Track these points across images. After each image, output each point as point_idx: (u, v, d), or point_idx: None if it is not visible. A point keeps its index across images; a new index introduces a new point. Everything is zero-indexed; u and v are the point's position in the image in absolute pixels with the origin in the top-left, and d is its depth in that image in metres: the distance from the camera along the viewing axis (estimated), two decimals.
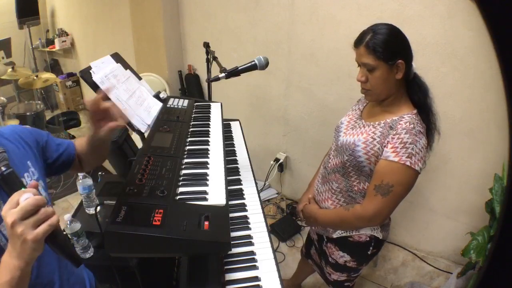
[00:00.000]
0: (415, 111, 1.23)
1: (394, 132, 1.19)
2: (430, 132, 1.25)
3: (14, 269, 0.64)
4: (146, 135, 1.40)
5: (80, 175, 1.47)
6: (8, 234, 0.64)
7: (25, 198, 0.64)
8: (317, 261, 1.69)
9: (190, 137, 1.37)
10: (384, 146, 1.20)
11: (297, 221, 2.70)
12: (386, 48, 1.15)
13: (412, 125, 1.18)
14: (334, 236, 1.44)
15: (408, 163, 1.15)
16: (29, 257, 0.65)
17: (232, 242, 0.94)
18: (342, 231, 1.41)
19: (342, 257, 1.46)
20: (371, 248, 1.42)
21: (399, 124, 1.20)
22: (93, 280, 1.17)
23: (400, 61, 1.16)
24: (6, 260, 0.66)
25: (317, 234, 1.61)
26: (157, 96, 1.65)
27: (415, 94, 1.25)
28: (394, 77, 1.19)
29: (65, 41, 4.29)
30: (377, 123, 1.27)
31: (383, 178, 1.19)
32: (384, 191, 1.19)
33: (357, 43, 1.21)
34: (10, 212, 0.62)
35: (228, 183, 1.18)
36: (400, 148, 1.16)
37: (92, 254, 1.42)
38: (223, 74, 1.52)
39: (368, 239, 1.40)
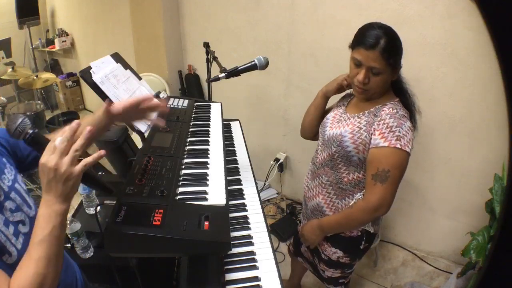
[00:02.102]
0: (397, 99, 1.28)
1: (379, 119, 1.22)
2: (412, 114, 1.29)
3: (55, 216, 0.70)
4: (146, 135, 1.40)
5: None
6: (49, 179, 0.70)
7: (58, 140, 0.72)
8: (309, 259, 1.69)
9: (190, 137, 1.37)
10: (372, 134, 1.22)
11: (297, 221, 2.71)
12: (397, 55, 1.16)
13: (395, 110, 1.22)
14: None
15: (398, 146, 1.17)
16: (69, 195, 0.72)
17: (232, 242, 0.94)
18: None
19: (334, 253, 1.47)
20: (363, 243, 1.43)
21: (383, 110, 1.24)
22: (79, 272, 1.16)
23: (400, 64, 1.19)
24: (43, 212, 0.71)
25: None
26: (157, 96, 1.65)
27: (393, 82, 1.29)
28: (391, 78, 1.22)
29: (65, 41, 4.28)
30: (361, 113, 1.30)
31: (378, 165, 1.20)
32: (382, 178, 1.20)
33: (370, 45, 1.14)
34: (51, 157, 0.70)
35: (228, 183, 1.18)
36: (388, 133, 1.19)
37: (92, 254, 1.42)
38: (223, 74, 1.52)
39: (359, 233, 1.41)
